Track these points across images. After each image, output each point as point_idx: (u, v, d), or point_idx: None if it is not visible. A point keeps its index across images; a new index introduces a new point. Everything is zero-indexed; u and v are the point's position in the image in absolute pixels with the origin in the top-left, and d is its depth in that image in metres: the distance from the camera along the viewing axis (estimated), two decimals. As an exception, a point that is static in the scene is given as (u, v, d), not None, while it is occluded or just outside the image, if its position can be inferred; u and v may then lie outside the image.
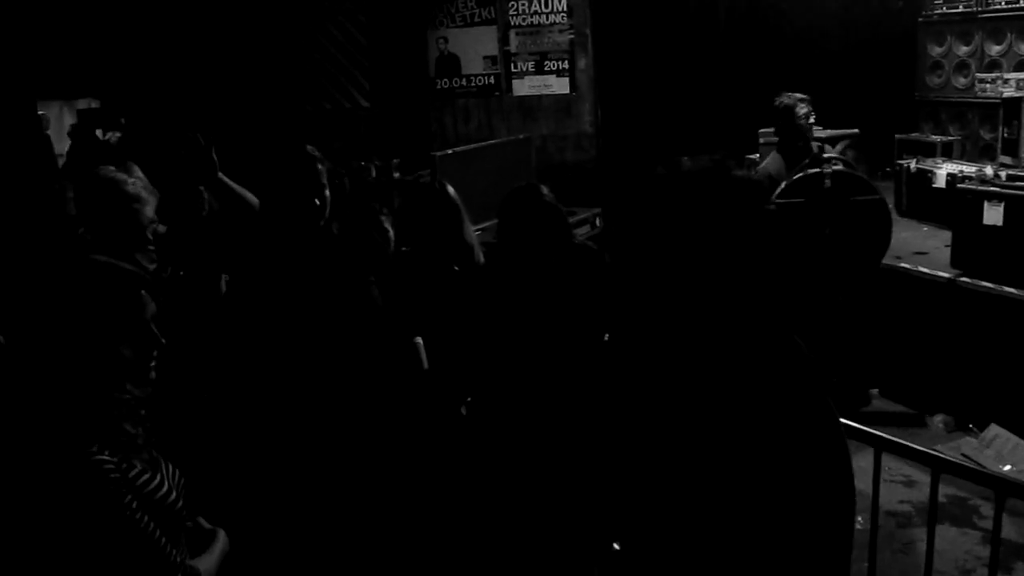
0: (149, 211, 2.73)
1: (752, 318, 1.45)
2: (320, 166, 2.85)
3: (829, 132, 6.23)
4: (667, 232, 1.44)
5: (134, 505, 1.62)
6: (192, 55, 7.69)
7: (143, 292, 1.73)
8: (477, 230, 3.99)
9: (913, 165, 6.17)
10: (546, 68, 7.86)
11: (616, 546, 1.64)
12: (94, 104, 8.37)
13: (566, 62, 7.80)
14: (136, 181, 2.78)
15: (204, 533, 1.95)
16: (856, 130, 6.54)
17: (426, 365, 3.10)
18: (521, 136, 7.29)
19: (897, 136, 6.85)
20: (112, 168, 2.82)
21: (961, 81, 6.81)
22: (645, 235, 1.48)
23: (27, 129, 6.71)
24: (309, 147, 2.87)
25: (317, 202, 2.82)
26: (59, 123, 8.69)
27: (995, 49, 6.51)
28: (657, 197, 1.49)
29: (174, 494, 1.79)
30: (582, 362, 2.93)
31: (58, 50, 7.18)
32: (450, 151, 6.31)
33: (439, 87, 8.20)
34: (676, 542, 1.47)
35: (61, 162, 7.85)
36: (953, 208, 4.90)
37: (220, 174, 2.91)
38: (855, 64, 7.38)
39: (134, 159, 3.18)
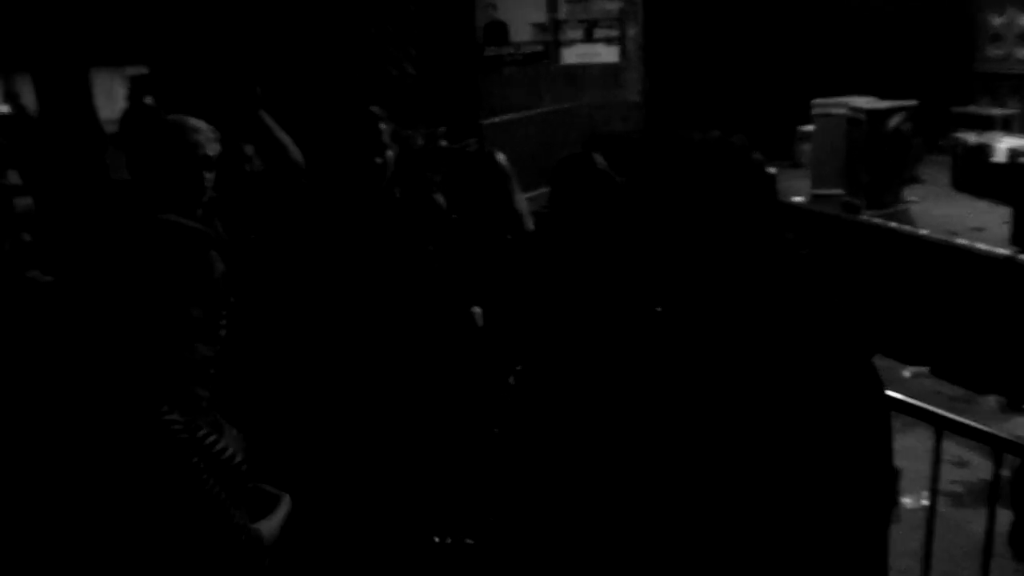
0: (211, 149, 2.70)
1: (785, 287, 1.46)
2: (383, 125, 2.83)
3: (886, 103, 6.09)
4: (697, 205, 1.47)
5: (201, 466, 1.64)
6: (241, 22, 7.70)
7: (212, 251, 1.74)
8: (525, 198, 3.98)
9: (971, 139, 6.03)
10: (595, 36, 7.78)
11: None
12: (143, 71, 8.44)
13: (616, 31, 7.70)
14: (198, 123, 2.76)
15: (269, 498, 1.96)
16: (914, 102, 6.40)
17: (481, 333, 3.10)
18: (568, 105, 7.24)
19: (953, 109, 6.69)
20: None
21: (1023, 53, 6.62)
22: (679, 207, 1.52)
23: (76, 97, 6.80)
24: (373, 107, 2.85)
25: (378, 161, 2.80)
26: (109, 90, 8.79)
27: (1061, 20, 6.32)
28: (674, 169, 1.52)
29: (238, 457, 1.80)
30: (632, 334, 2.91)
31: (108, 17, 7.24)
32: (497, 119, 6.29)
33: (486, 54, 8.15)
34: (713, 514, 1.48)
35: (111, 129, 7.94)
36: (1014, 184, 4.78)
37: (263, 112, 2.88)
38: (911, 33, 7.20)
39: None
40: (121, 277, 1.66)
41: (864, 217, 5.88)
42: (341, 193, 2.78)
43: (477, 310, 3.10)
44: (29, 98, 7.83)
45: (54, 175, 5.59)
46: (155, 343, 1.65)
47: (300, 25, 7.90)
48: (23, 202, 2.69)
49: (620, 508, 2.94)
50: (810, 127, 6.43)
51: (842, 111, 6.01)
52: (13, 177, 2.51)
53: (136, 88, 7.04)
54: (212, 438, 1.74)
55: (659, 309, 2.88)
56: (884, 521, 1.53)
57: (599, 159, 3.10)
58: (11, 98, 8.30)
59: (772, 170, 1.57)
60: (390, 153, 2.82)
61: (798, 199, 6.43)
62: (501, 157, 3.64)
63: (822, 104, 6.22)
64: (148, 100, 8.03)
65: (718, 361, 1.51)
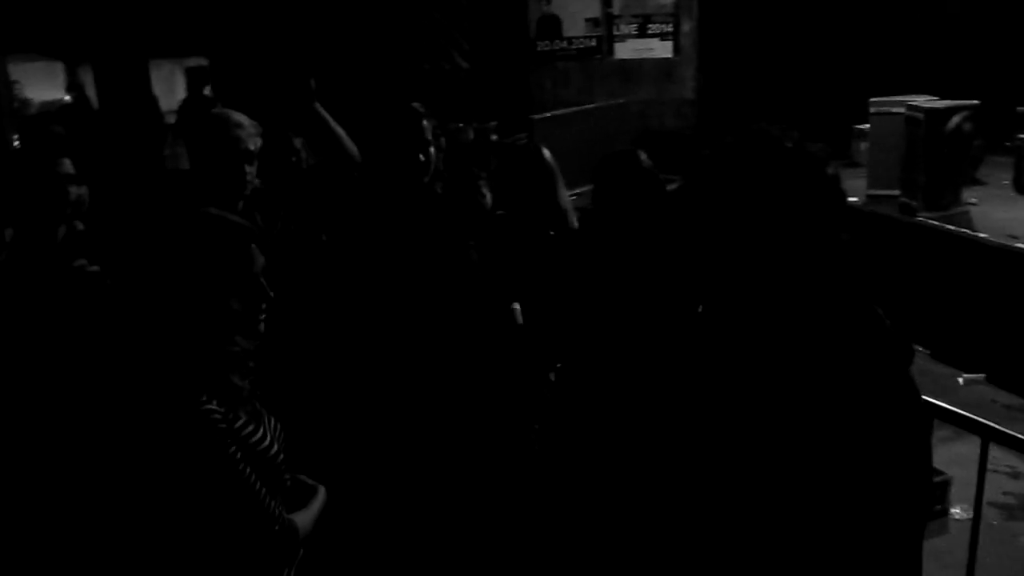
0: (252, 144, 2.73)
1: (831, 290, 1.44)
2: (425, 122, 2.84)
3: (946, 103, 5.94)
4: (741, 203, 1.44)
5: (238, 456, 1.66)
6: (297, 16, 7.79)
7: (253, 245, 1.76)
8: (573, 195, 3.96)
9: (1036, 140, 5.86)
10: (649, 31, 7.71)
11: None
12: (203, 63, 8.59)
13: (670, 25, 7.63)
14: (241, 118, 2.79)
15: (306, 489, 1.98)
16: (976, 101, 6.23)
17: (521, 329, 3.10)
18: (621, 100, 7.19)
19: (1018, 108, 6.50)
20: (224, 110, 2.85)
21: (1093, 51, 6.41)
22: (719, 206, 1.48)
23: (136, 87, 6.94)
24: (415, 103, 2.86)
25: (422, 157, 2.80)
26: (170, 82, 8.97)
27: None
28: (722, 169, 1.49)
29: (275, 447, 1.82)
30: (674, 333, 2.88)
31: (168, 9, 7.38)
32: (548, 114, 6.28)
33: (539, 49, 8.13)
34: (749, 516, 1.47)
35: (172, 120, 8.10)
36: (1079, 187, 4.63)
37: (317, 105, 2.89)
38: (975, 31, 7.01)
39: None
40: (162, 268, 1.69)
41: (920, 219, 5.74)
42: (383, 188, 2.79)
43: (516, 306, 3.09)
44: (92, 89, 8.04)
45: (111, 164, 5.72)
46: (194, 334, 1.67)
47: (355, 19, 7.96)
48: (78, 191, 2.76)
49: (656, 506, 2.92)
50: (867, 126, 6.30)
51: (900, 110, 5.87)
52: (67, 166, 2.57)
53: (193, 79, 7.17)
54: (250, 428, 1.76)
55: (700, 309, 2.85)
56: (918, 528, 1.49)
57: (644, 156, 3.06)
58: (74, 88, 8.53)
59: (834, 171, 1.53)
60: (432, 149, 2.82)
61: (853, 200, 6.31)
62: (546, 153, 3.62)
63: (880, 103, 6.09)
64: (207, 91, 8.17)
65: (755, 363, 1.49)
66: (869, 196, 6.27)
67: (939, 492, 3.64)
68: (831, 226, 1.46)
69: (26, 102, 9.60)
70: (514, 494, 2.94)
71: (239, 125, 2.66)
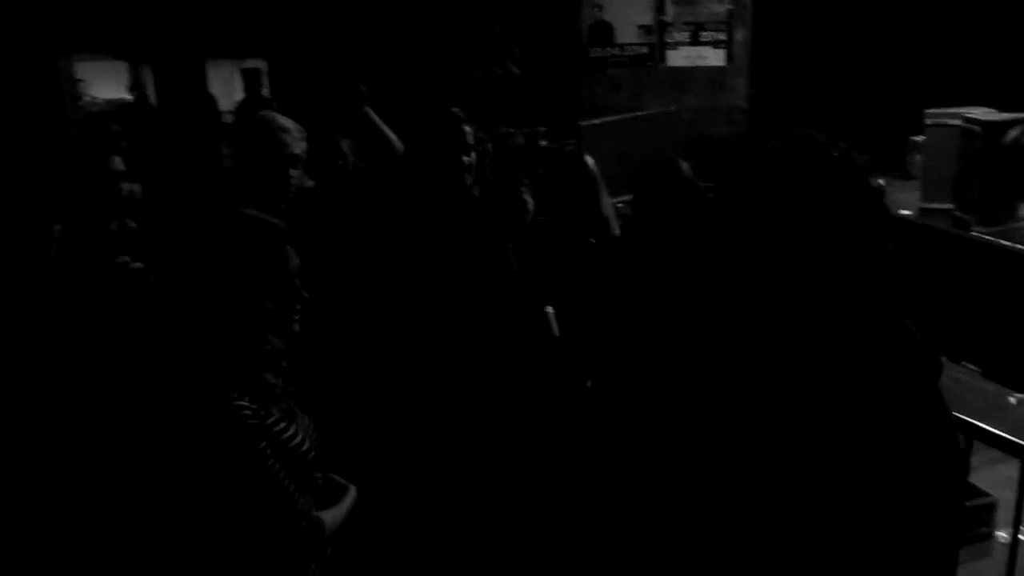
0: (297, 148, 2.78)
1: (862, 302, 1.41)
2: (466, 127, 2.87)
3: (1004, 115, 5.80)
4: (778, 208, 1.42)
5: (268, 451, 1.70)
6: (352, 20, 7.89)
7: (287, 247, 1.80)
8: (620, 202, 3.96)
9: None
10: (702, 39, 7.66)
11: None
12: (259, 65, 8.74)
13: (723, 33, 7.57)
14: (287, 123, 2.84)
15: (337, 488, 2.01)
16: (1037, 114, 6.07)
17: (556, 335, 3.11)
18: (672, 108, 7.14)
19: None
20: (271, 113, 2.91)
21: None
22: (756, 209, 1.46)
23: (194, 87, 7.10)
24: (455, 108, 2.89)
25: (462, 161, 2.83)
26: (229, 83, 9.13)
27: None
28: (755, 176, 1.46)
29: (306, 444, 1.86)
30: (711, 344, 2.86)
31: (227, 11, 7.54)
32: (597, 121, 6.27)
33: (591, 55, 8.12)
34: (778, 533, 1.46)
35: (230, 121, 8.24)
36: None
37: (367, 108, 2.94)
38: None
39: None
40: (198, 267, 1.73)
41: (975, 233, 5.61)
42: (422, 193, 2.82)
43: (550, 310, 3.11)
44: (151, 88, 8.24)
45: (167, 163, 5.86)
46: (228, 332, 1.72)
47: (407, 23, 8.04)
48: (128, 188, 2.84)
49: (692, 519, 2.90)
50: (922, 137, 6.17)
51: (956, 122, 5.74)
52: (118, 163, 2.65)
53: (249, 81, 7.30)
54: (282, 425, 1.80)
55: (734, 318, 2.83)
56: (947, 548, 1.47)
57: (685, 166, 3.06)
58: (136, 88, 8.74)
59: (880, 182, 1.51)
60: (473, 154, 2.85)
61: (906, 212, 6.18)
62: (589, 160, 3.63)
63: (935, 114, 5.95)
64: (265, 93, 8.32)
65: (783, 376, 1.48)
66: (922, 209, 6.13)
67: (984, 515, 3.56)
68: (869, 238, 1.43)
69: (90, 100, 9.87)
70: (547, 500, 2.95)
71: (284, 129, 2.72)
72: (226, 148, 7.75)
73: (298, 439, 1.83)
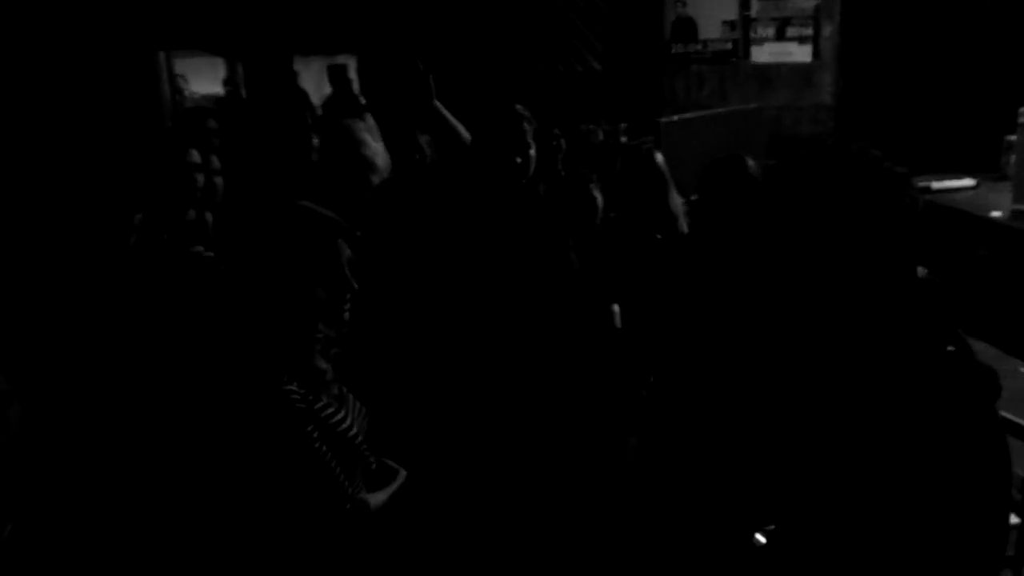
0: (379, 161, 2.85)
1: (905, 321, 1.37)
2: (527, 125, 2.89)
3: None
4: (798, 221, 1.39)
5: (315, 435, 1.77)
6: (433, 17, 8.00)
7: (339, 239, 1.87)
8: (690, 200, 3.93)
9: None
10: (788, 35, 7.52)
11: (760, 538, 1.62)
12: (346, 60, 8.93)
13: (810, 29, 7.42)
14: (369, 135, 2.91)
15: (389, 472, 2.07)
16: None
17: (619, 331, 3.12)
18: (753, 105, 7.03)
19: None
20: (355, 121, 2.98)
21: None
22: (777, 223, 1.43)
23: (282, 83, 7.31)
24: (518, 106, 2.92)
25: (519, 160, 2.86)
26: (320, 77, 9.38)
27: None
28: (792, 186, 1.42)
29: (354, 429, 1.92)
30: (765, 345, 2.83)
31: (317, 6, 7.75)
32: (675, 118, 6.21)
33: (673, 51, 8.06)
34: (821, 534, 1.44)
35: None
36: None
37: (436, 102, 2.98)
38: None
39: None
40: (255, 257, 1.82)
41: (1071, 238, 5.38)
42: (481, 189, 2.86)
43: (616, 307, 3.12)
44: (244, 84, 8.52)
45: (255, 157, 6.05)
46: (280, 319, 1.79)
47: (486, 18, 8.11)
48: (212, 179, 2.97)
49: (748, 526, 2.88)
50: (1015, 137, 5.93)
51: (1053, 121, 5.51)
52: (195, 155, 2.77)
53: (335, 76, 7.49)
54: (330, 410, 1.87)
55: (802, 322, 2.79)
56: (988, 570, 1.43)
57: (752, 164, 3.02)
58: (230, 83, 9.05)
59: (917, 196, 1.44)
60: (532, 152, 2.87)
61: (997, 214, 5.96)
62: (659, 157, 3.62)
63: (1029, 113, 5.73)
64: (355, 88, 8.51)
65: (842, 385, 1.46)
66: (1014, 211, 5.91)
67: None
68: (904, 253, 1.38)
69: (189, 95, 10.27)
70: (605, 495, 2.96)
71: (364, 144, 2.76)
72: (315, 142, 7.97)
73: (346, 424, 1.90)
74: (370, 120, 3.46)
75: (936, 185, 6.45)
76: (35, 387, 1.83)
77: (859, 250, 1.36)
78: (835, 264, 1.38)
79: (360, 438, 1.94)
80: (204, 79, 10.79)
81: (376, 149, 2.84)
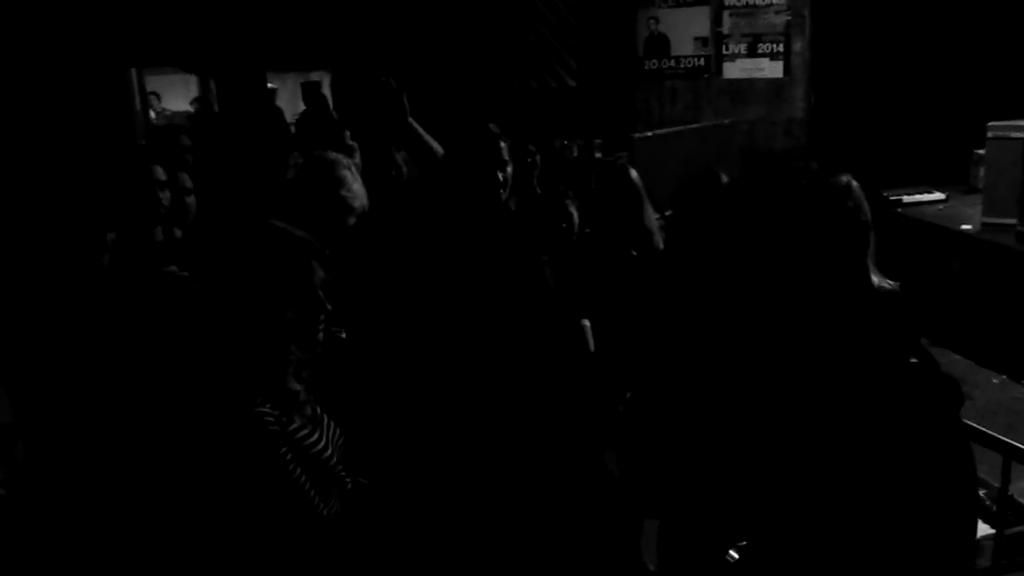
0: (356, 204, 2.77)
1: (860, 333, 1.41)
2: (502, 143, 2.88)
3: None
4: (744, 238, 1.43)
5: (288, 457, 1.75)
6: (406, 33, 8.01)
7: (312, 260, 1.85)
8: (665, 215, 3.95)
9: None
10: (759, 51, 7.59)
11: (733, 554, 1.62)
12: (321, 77, 8.92)
13: (781, 45, 7.50)
14: (351, 172, 2.81)
15: (366, 492, 2.04)
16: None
17: (592, 348, 3.11)
18: (727, 121, 7.08)
19: None
20: (339, 156, 2.89)
21: None
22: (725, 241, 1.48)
23: (257, 101, 7.29)
24: (491, 125, 2.92)
25: (499, 176, 2.84)
26: (294, 95, 9.36)
27: None
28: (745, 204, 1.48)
29: (329, 450, 1.90)
30: (749, 364, 2.84)
31: (290, 24, 7.73)
32: (650, 133, 6.24)
33: (647, 68, 8.11)
34: (792, 548, 1.45)
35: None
36: None
37: (410, 119, 2.96)
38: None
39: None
40: (226, 276, 1.79)
41: (1040, 249, 5.46)
42: (456, 206, 2.86)
43: (586, 323, 3.11)
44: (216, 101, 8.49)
45: (229, 174, 6.01)
46: (252, 340, 1.77)
47: (460, 35, 8.13)
48: (179, 197, 2.94)
49: (726, 541, 2.87)
50: (982, 151, 6.03)
51: (1019, 135, 5.60)
52: (159, 172, 2.74)
53: (308, 93, 7.48)
54: (304, 432, 1.85)
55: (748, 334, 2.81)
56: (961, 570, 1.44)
57: (725, 179, 3.03)
58: (200, 100, 9.02)
59: (866, 218, 1.48)
60: (509, 169, 2.87)
61: (967, 227, 6.04)
62: (633, 173, 3.63)
63: (998, 127, 5.81)
64: (329, 105, 8.49)
65: (811, 396, 1.48)
66: (984, 224, 5.99)
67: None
68: (853, 259, 1.43)
69: (161, 112, 10.22)
70: (581, 512, 2.95)
71: (343, 183, 2.66)
72: (292, 159, 7.94)
73: (320, 445, 1.88)
74: (357, 158, 3.43)
75: (907, 199, 6.54)
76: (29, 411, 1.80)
77: (807, 258, 1.42)
78: (788, 273, 1.44)
79: (335, 459, 1.92)
80: (177, 96, 10.76)
81: (356, 192, 2.75)
